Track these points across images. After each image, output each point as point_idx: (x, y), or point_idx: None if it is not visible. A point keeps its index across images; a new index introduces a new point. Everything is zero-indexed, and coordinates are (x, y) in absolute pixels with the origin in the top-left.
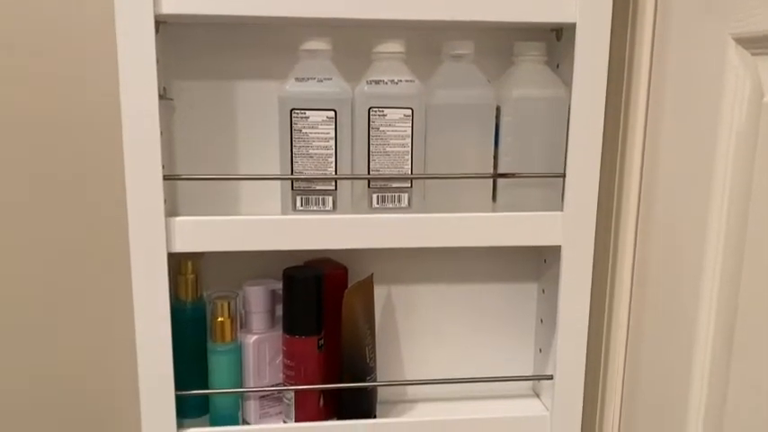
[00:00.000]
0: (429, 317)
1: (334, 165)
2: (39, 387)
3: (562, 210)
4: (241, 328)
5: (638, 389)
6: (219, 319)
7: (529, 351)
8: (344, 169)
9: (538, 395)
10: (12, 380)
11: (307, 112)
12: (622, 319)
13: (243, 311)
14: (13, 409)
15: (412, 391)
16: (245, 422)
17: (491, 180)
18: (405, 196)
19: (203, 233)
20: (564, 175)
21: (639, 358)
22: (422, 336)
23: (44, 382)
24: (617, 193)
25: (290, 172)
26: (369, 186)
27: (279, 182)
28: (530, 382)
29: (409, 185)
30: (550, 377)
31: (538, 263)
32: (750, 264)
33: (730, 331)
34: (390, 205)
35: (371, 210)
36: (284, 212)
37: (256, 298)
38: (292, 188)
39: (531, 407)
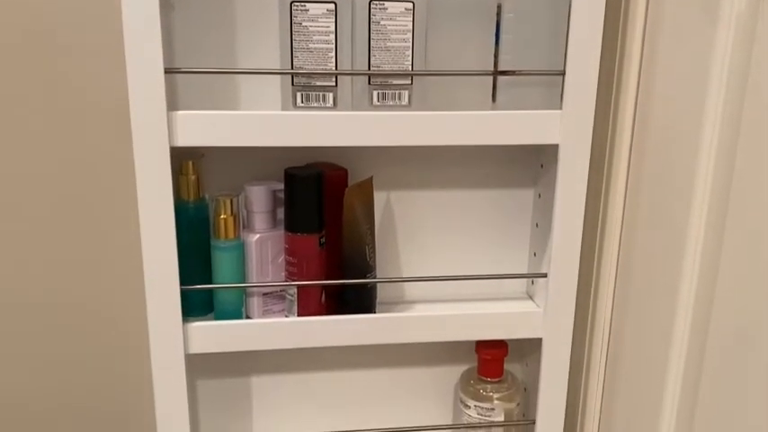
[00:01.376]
0: (427, 222)
1: (334, 60)
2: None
3: (561, 108)
4: (243, 228)
5: (630, 285)
6: (222, 216)
7: (524, 255)
8: (345, 65)
9: (531, 297)
10: (16, 292)
11: (307, 4)
12: (617, 217)
13: (245, 212)
14: (17, 318)
15: (410, 293)
16: (248, 318)
17: (491, 79)
18: (405, 93)
19: (206, 127)
20: (563, 73)
21: (632, 257)
22: (420, 241)
23: (48, 292)
24: (615, 92)
25: (290, 67)
26: (369, 83)
27: (279, 79)
28: (524, 286)
29: (410, 82)
30: (545, 275)
31: (535, 169)
32: (742, 164)
33: (720, 230)
34: (391, 102)
35: (372, 107)
36: (284, 109)
37: (258, 197)
38: (292, 84)
39: (525, 305)
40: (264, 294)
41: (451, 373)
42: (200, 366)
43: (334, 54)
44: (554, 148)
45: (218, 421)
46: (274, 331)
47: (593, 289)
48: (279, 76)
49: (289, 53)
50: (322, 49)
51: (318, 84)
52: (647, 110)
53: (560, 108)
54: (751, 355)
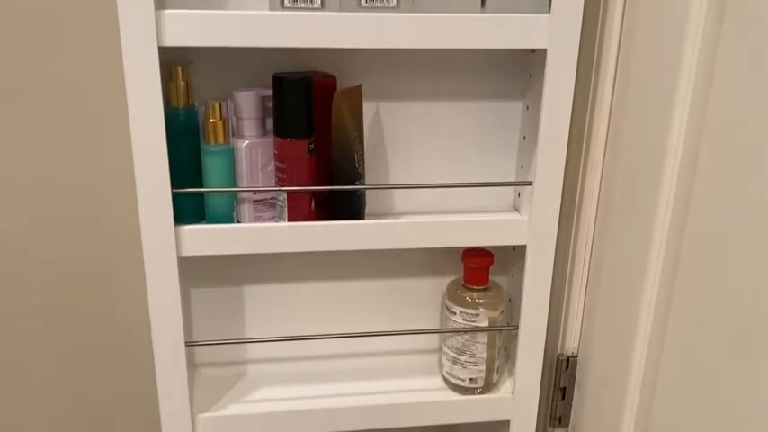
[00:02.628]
0: (415, 133)
1: None
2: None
3: (549, 12)
4: (233, 135)
5: (613, 193)
6: (211, 121)
7: (511, 168)
8: None
9: (518, 210)
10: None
11: None
12: (602, 125)
13: (234, 119)
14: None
15: (399, 205)
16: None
17: None
18: None
19: (193, 27)
20: None
21: (616, 166)
22: (408, 152)
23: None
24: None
25: None
26: None
27: None
28: (511, 200)
29: None
30: (530, 183)
31: (523, 80)
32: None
33: (701, 124)
34: (379, 4)
35: (360, 8)
36: (272, 10)
37: (247, 103)
38: None
39: (511, 215)
40: (255, 201)
41: (438, 285)
42: (193, 274)
43: None
44: (542, 58)
45: (211, 327)
46: (265, 235)
47: (577, 197)
48: None
49: None
50: None
51: None
52: (635, 14)
53: (549, 12)
54: (726, 257)
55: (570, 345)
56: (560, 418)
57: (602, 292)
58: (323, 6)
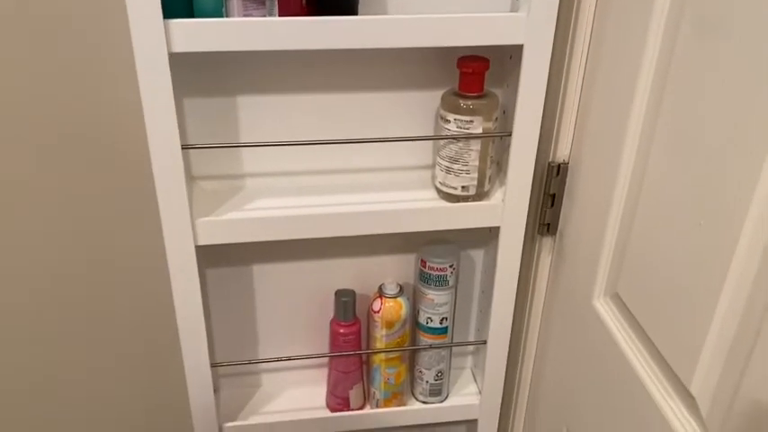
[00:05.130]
0: None
1: None
2: None
3: None
4: None
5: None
6: None
7: None
8: None
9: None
10: None
11: None
12: None
13: None
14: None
15: (394, 8)
16: None
17: None
18: None
19: None
20: None
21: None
22: None
23: None
24: None
25: None
26: None
27: None
28: (508, 6)
29: None
30: None
31: None
32: None
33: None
34: None
35: None
36: None
37: None
38: None
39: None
40: None
41: (433, 99)
42: (185, 80)
43: None
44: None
45: (207, 139)
46: (254, 30)
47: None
48: None
49: None
50: None
51: None
52: None
53: None
54: (714, 71)
55: (562, 152)
56: (548, 225)
57: (596, 98)
58: None
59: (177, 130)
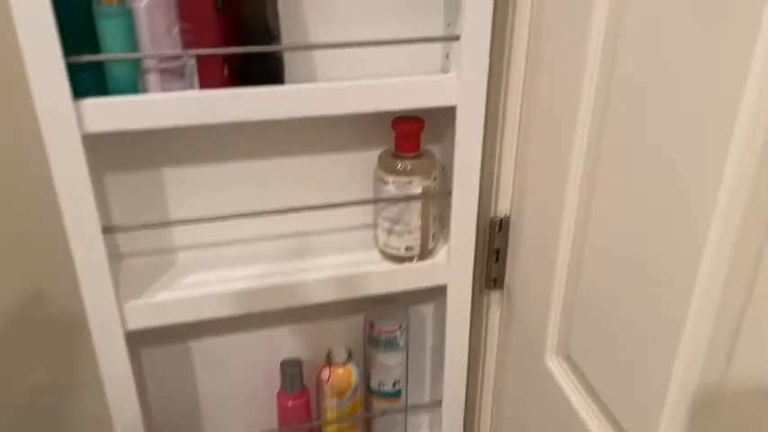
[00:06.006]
0: None
1: None
2: None
3: None
4: None
5: (542, 41)
6: None
7: (438, 24)
8: None
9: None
10: None
11: None
12: None
13: None
14: None
15: (321, 72)
16: None
17: None
18: None
19: None
20: None
21: (541, 23)
22: (327, 13)
23: None
24: None
25: None
26: None
27: None
28: (438, 64)
29: None
30: (457, 38)
31: None
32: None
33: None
34: None
35: None
36: None
37: None
38: None
39: (439, 75)
40: (162, 71)
41: (368, 159)
42: (105, 156)
43: None
44: None
45: (132, 218)
46: (174, 105)
47: (506, 50)
48: None
49: None
50: None
51: None
52: None
53: None
54: (651, 108)
55: (503, 207)
56: (495, 280)
57: (534, 152)
58: None
59: (96, 213)
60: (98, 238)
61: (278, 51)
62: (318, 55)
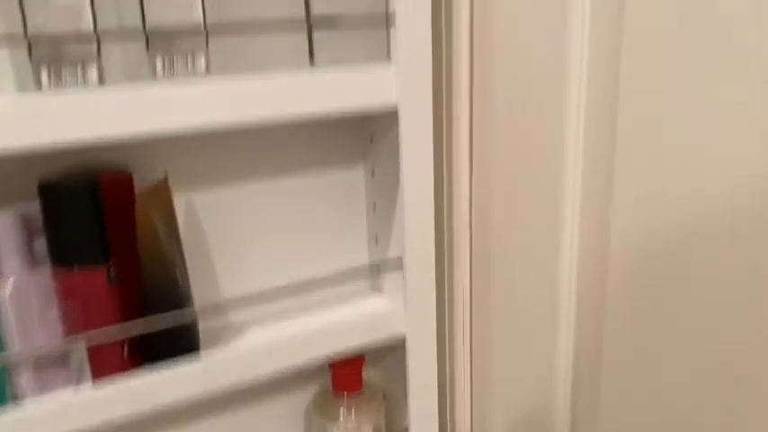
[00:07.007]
0: (242, 222)
1: (91, 16)
2: None
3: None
4: None
5: (489, 261)
6: None
7: (362, 243)
8: (107, 23)
9: (380, 291)
10: None
11: None
12: (463, 193)
13: None
14: None
15: (236, 315)
16: (17, 403)
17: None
18: (201, 58)
19: None
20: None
21: (488, 238)
22: (237, 249)
23: None
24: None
25: (22, 30)
26: (148, 47)
27: (5, 49)
28: (367, 280)
29: (204, 42)
30: (399, 261)
31: (362, 141)
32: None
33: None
34: (182, 71)
35: (156, 79)
36: (22, 90)
37: (2, 228)
38: (30, 55)
39: (378, 303)
40: (38, 365)
41: (301, 400)
42: None
43: (90, 7)
44: (387, 118)
45: None
46: (60, 413)
47: (446, 275)
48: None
49: (18, 8)
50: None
51: (72, 51)
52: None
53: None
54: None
55: None
56: None
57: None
58: (102, 82)
59: None
60: None
61: (190, 317)
62: (229, 292)
